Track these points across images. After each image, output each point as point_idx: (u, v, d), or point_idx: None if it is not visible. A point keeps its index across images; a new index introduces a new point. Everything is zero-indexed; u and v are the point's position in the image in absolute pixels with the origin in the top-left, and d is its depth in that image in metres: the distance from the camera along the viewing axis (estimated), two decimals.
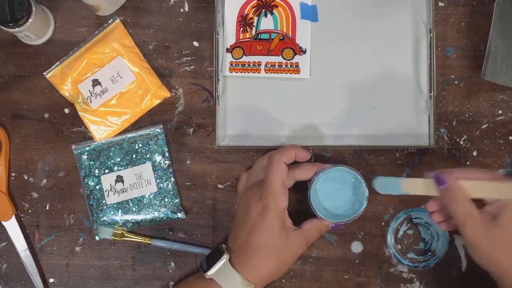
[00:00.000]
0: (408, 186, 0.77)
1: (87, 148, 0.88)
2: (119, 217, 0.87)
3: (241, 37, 0.88)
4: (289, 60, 0.87)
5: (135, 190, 0.87)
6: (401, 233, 0.86)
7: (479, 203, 0.74)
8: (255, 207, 0.77)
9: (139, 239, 0.87)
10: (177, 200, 0.87)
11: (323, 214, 0.80)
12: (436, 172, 0.75)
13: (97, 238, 0.88)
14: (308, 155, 0.81)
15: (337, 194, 0.81)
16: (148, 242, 0.87)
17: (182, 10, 0.89)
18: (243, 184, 0.83)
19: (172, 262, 0.88)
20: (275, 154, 0.78)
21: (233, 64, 0.88)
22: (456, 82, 0.87)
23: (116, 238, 0.87)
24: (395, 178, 0.78)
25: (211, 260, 0.78)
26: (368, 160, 0.87)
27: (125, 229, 0.87)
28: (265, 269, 0.77)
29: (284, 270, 0.79)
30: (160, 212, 0.87)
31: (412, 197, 0.86)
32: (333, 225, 0.81)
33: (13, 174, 0.89)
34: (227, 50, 0.88)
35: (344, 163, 0.87)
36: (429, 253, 0.85)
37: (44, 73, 0.88)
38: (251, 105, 0.88)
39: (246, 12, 0.88)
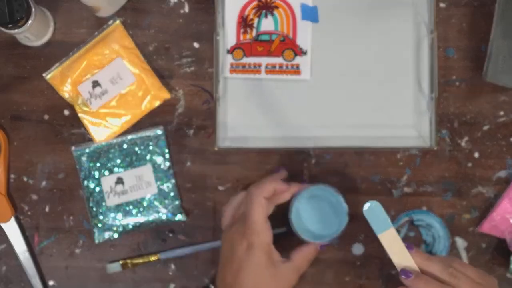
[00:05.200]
0: (388, 236, 0.73)
1: (87, 150, 0.87)
2: (119, 219, 0.87)
3: (241, 38, 0.88)
4: (290, 61, 0.87)
5: (135, 192, 0.87)
6: (402, 235, 0.86)
7: None
8: (240, 245, 0.76)
9: (146, 259, 0.87)
10: (177, 202, 0.87)
11: (307, 236, 0.80)
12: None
13: (96, 241, 0.87)
14: (287, 188, 0.80)
15: (317, 214, 0.82)
16: (156, 258, 0.87)
17: (182, 11, 0.89)
18: (231, 209, 0.82)
19: (172, 264, 0.88)
20: (255, 190, 0.77)
21: (234, 66, 0.88)
22: (457, 83, 0.87)
23: (126, 267, 0.87)
24: (388, 220, 0.73)
25: None
26: (369, 161, 0.87)
27: (129, 261, 0.87)
28: None
29: None
30: (160, 214, 0.87)
31: (413, 199, 0.86)
32: (320, 248, 0.81)
33: (12, 176, 0.89)
34: (228, 51, 0.88)
35: (344, 165, 0.87)
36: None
37: (43, 75, 0.88)
38: (251, 107, 0.87)
39: (246, 13, 0.88)
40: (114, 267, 0.87)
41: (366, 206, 0.73)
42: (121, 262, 0.87)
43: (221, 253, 0.80)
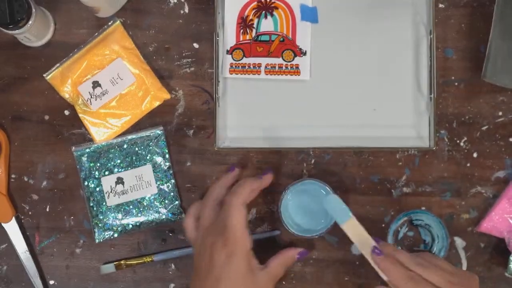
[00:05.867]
0: (350, 225, 0.76)
1: (87, 150, 0.88)
2: (120, 219, 0.87)
3: (241, 39, 0.88)
4: (289, 61, 0.87)
5: (135, 192, 0.87)
6: (401, 235, 0.86)
7: None
8: (219, 254, 0.75)
9: (140, 260, 0.87)
10: (177, 202, 0.87)
11: (295, 229, 0.81)
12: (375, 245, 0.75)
13: (96, 241, 0.87)
14: (261, 184, 0.81)
15: (307, 208, 0.82)
16: (150, 259, 0.87)
17: (182, 12, 0.89)
18: (192, 219, 0.81)
19: (172, 264, 0.88)
20: (232, 198, 0.77)
21: (233, 66, 0.88)
22: (456, 84, 0.87)
23: (120, 269, 0.87)
24: (347, 209, 0.76)
25: None
26: (368, 161, 0.87)
27: (123, 261, 0.88)
28: None
29: None
30: (160, 214, 0.87)
31: (412, 199, 0.87)
32: (298, 256, 0.81)
33: (13, 176, 0.89)
34: (227, 51, 0.88)
35: (344, 165, 0.87)
36: None
37: (44, 75, 0.88)
38: (251, 107, 0.88)
39: (246, 13, 0.88)
40: (108, 268, 0.87)
41: (325, 200, 0.76)
42: (115, 263, 0.87)
43: (196, 262, 0.78)
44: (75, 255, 0.88)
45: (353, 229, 0.76)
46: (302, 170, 0.87)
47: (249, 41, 0.88)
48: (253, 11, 0.88)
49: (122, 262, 0.87)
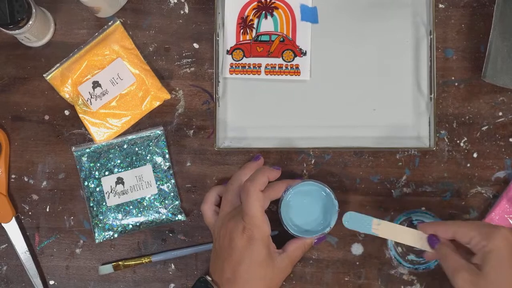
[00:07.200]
0: (379, 227, 0.78)
1: (87, 150, 0.88)
2: (120, 219, 0.87)
3: (241, 39, 0.88)
4: (289, 62, 0.87)
5: (135, 192, 0.87)
6: None
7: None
8: (240, 239, 0.77)
9: (138, 261, 0.87)
10: (177, 202, 0.87)
11: (294, 230, 0.81)
12: (424, 227, 0.77)
13: (96, 241, 0.87)
14: (278, 173, 0.83)
15: (307, 209, 0.82)
16: (148, 260, 0.87)
17: (182, 12, 0.89)
18: (210, 204, 0.84)
19: (172, 264, 0.88)
20: (249, 185, 0.78)
21: (233, 66, 0.88)
22: (456, 84, 0.87)
23: (118, 269, 0.87)
24: (367, 217, 0.78)
25: None
26: (368, 162, 0.87)
27: (121, 262, 0.88)
28: None
29: None
30: (160, 214, 0.87)
31: (412, 199, 0.87)
32: (316, 241, 0.82)
33: (13, 176, 0.89)
34: (227, 52, 0.88)
35: (344, 165, 0.87)
36: None
37: (44, 75, 0.88)
38: (251, 107, 0.88)
39: (246, 14, 0.88)
40: (106, 269, 0.87)
41: (345, 222, 0.78)
42: (113, 264, 0.87)
43: (217, 246, 0.80)
44: (75, 255, 0.88)
45: (384, 229, 0.77)
46: (302, 170, 0.87)
47: (249, 41, 0.88)
48: (253, 11, 0.88)
49: (120, 263, 0.87)
